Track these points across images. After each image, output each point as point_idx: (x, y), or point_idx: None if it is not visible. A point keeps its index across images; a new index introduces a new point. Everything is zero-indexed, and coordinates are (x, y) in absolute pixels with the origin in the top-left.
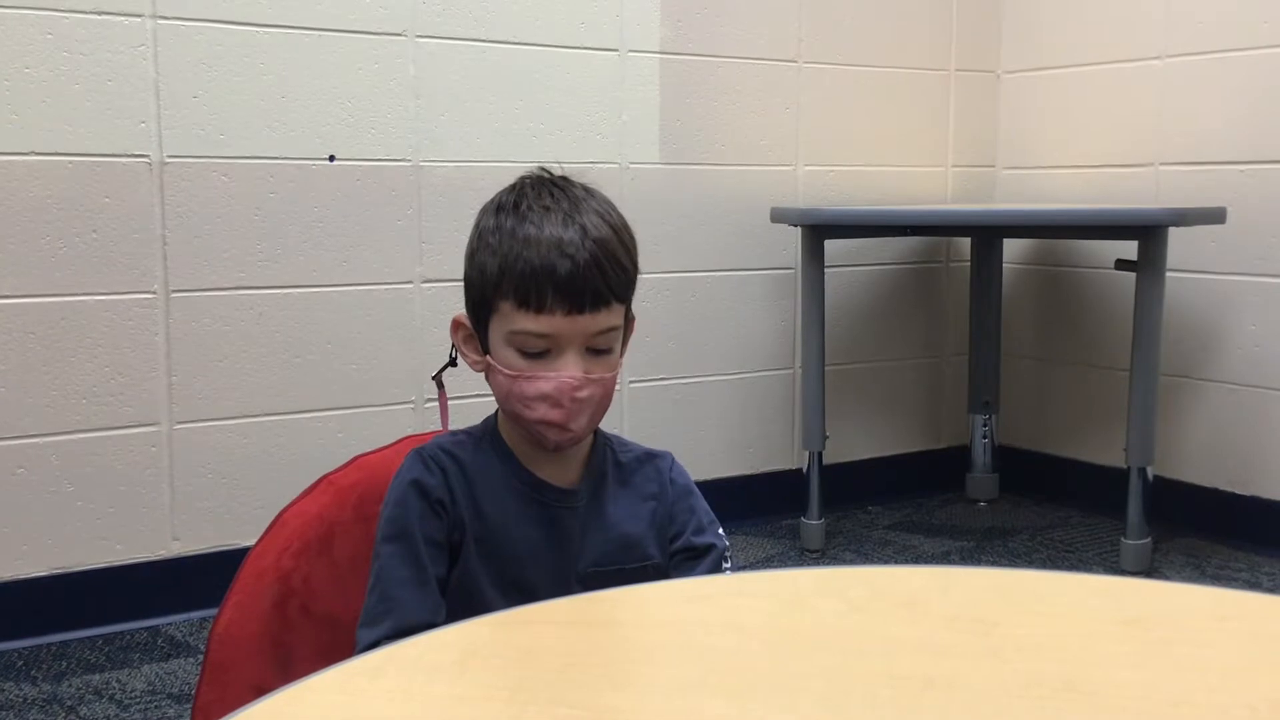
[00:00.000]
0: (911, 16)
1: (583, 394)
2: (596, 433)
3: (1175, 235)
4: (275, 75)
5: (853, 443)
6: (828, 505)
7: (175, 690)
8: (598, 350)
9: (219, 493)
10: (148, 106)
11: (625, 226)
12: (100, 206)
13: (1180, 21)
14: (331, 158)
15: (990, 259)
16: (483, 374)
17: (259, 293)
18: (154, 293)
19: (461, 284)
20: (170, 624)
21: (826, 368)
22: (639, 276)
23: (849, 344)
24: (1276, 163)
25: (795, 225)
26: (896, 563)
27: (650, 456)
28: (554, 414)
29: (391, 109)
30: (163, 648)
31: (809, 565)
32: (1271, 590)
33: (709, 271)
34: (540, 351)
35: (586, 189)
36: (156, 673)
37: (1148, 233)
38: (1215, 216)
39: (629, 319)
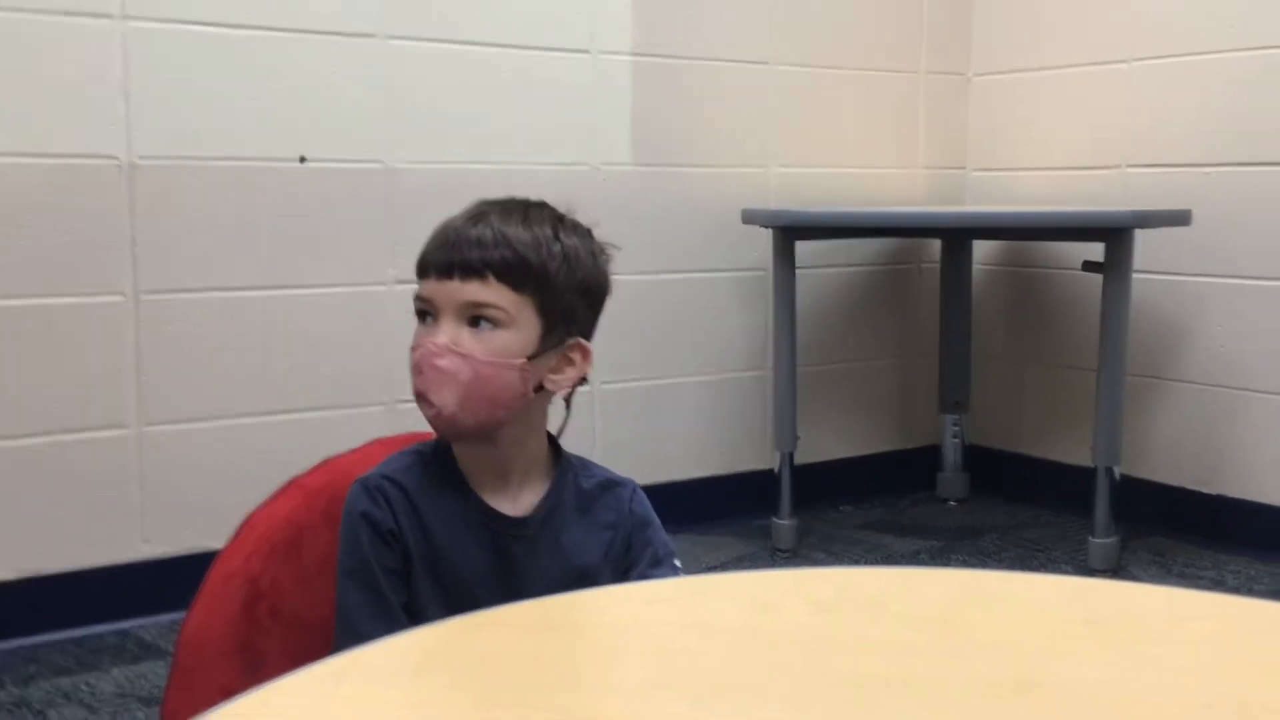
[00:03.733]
0: (882, 19)
1: (442, 362)
2: (561, 457)
3: (1142, 237)
4: (245, 76)
5: (825, 443)
6: (799, 505)
7: (145, 693)
8: (478, 327)
9: (189, 495)
10: (117, 108)
11: (570, 247)
12: (70, 208)
13: (1147, 25)
14: (302, 159)
15: (960, 260)
16: None
17: (229, 294)
18: (124, 295)
19: None
20: (140, 626)
21: (798, 368)
22: (599, 302)
23: (821, 345)
24: (1240, 165)
25: (766, 227)
26: (867, 562)
27: (612, 484)
28: (419, 382)
29: (363, 110)
30: (132, 650)
31: (778, 566)
32: (1236, 588)
33: (681, 273)
34: (424, 318)
35: (554, 214)
36: (126, 675)
37: (1113, 235)
38: (1180, 219)
39: (566, 336)
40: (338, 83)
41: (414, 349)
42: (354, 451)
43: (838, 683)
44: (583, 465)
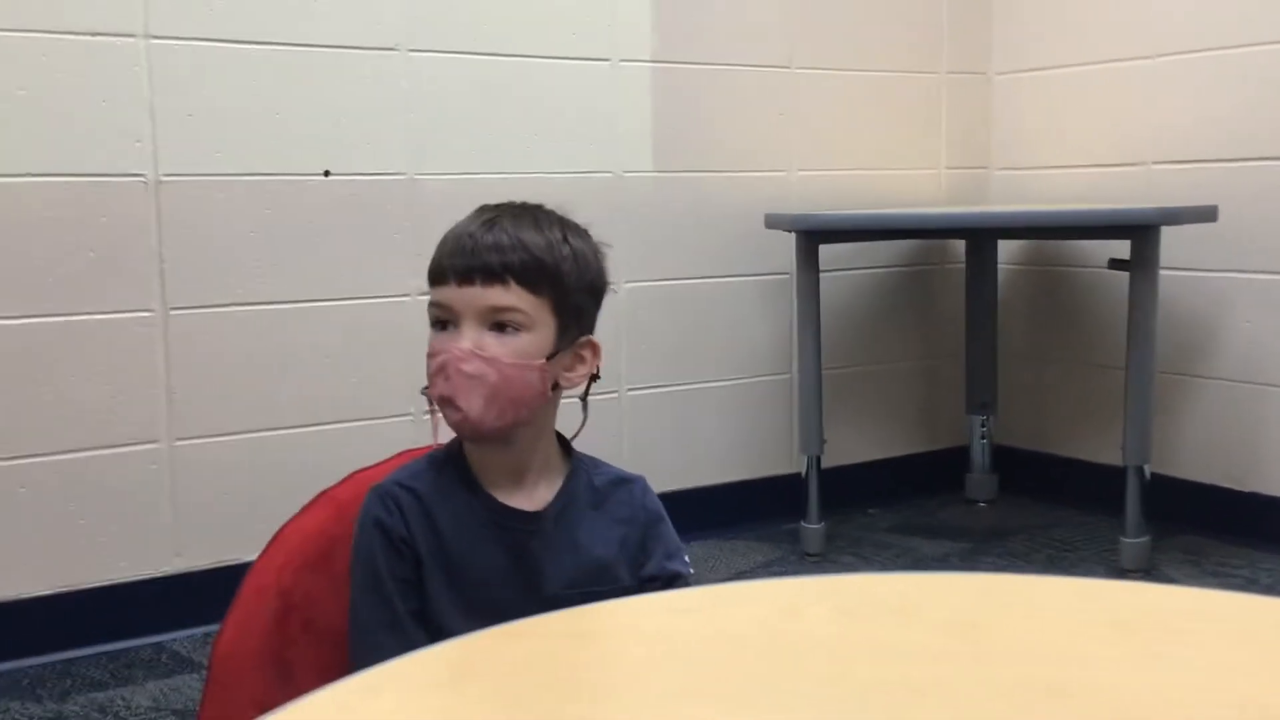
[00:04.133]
0: (902, 20)
1: (469, 367)
2: (572, 455)
3: (1168, 234)
4: (268, 92)
5: (851, 446)
6: (827, 509)
7: (179, 706)
8: (502, 331)
9: (220, 508)
10: (143, 126)
11: (578, 249)
12: (98, 226)
13: (1169, 21)
14: (326, 173)
15: (985, 260)
16: None
17: (256, 308)
18: (152, 310)
19: None
20: (174, 640)
21: (824, 372)
22: (598, 301)
23: (846, 347)
24: (1266, 160)
25: (790, 231)
26: (897, 565)
27: (624, 481)
28: (444, 388)
29: (385, 123)
30: (167, 664)
31: (806, 570)
32: (1270, 586)
33: (705, 278)
34: (443, 325)
35: (559, 217)
36: (160, 689)
37: (1140, 232)
38: (1206, 215)
39: (578, 334)
40: (360, 96)
41: (433, 355)
42: (383, 463)
43: (864, 690)
44: (593, 463)
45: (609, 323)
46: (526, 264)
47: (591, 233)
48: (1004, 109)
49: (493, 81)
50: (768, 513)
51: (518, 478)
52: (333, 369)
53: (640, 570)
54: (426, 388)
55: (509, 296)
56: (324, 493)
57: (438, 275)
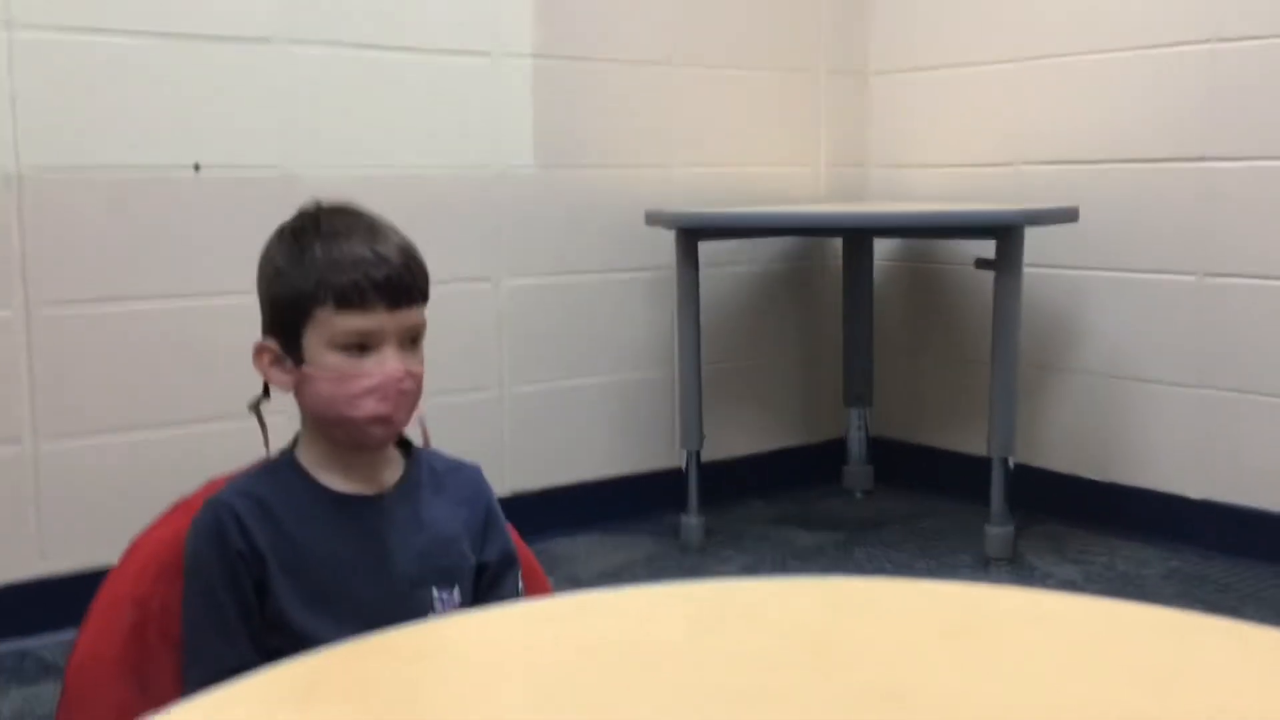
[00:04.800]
0: (782, 19)
1: (405, 386)
2: (409, 446)
3: (1034, 233)
4: (137, 84)
5: (732, 439)
6: (708, 502)
7: (44, 713)
8: (413, 344)
9: (88, 510)
10: (3, 118)
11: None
12: None
13: (1040, 25)
14: (196, 167)
15: (861, 257)
16: (291, 393)
17: (125, 306)
18: (13, 309)
19: None
20: (41, 646)
21: (705, 366)
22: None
23: (727, 342)
24: (1126, 162)
25: (670, 228)
26: (775, 556)
27: (461, 465)
28: (382, 407)
29: (258, 116)
30: (30, 670)
31: (686, 565)
32: (1125, 572)
33: (586, 274)
34: (363, 349)
35: (369, 213)
36: (25, 697)
37: (1004, 232)
38: (1068, 216)
39: None
40: (234, 88)
41: (359, 378)
42: (239, 471)
43: (712, 698)
44: (430, 452)
45: (490, 319)
46: (427, 283)
47: (473, 227)
48: (881, 108)
49: (372, 74)
50: (649, 507)
51: (368, 470)
52: (205, 369)
53: (481, 553)
54: (254, 404)
55: (421, 314)
56: (180, 502)
57: (360, 300)
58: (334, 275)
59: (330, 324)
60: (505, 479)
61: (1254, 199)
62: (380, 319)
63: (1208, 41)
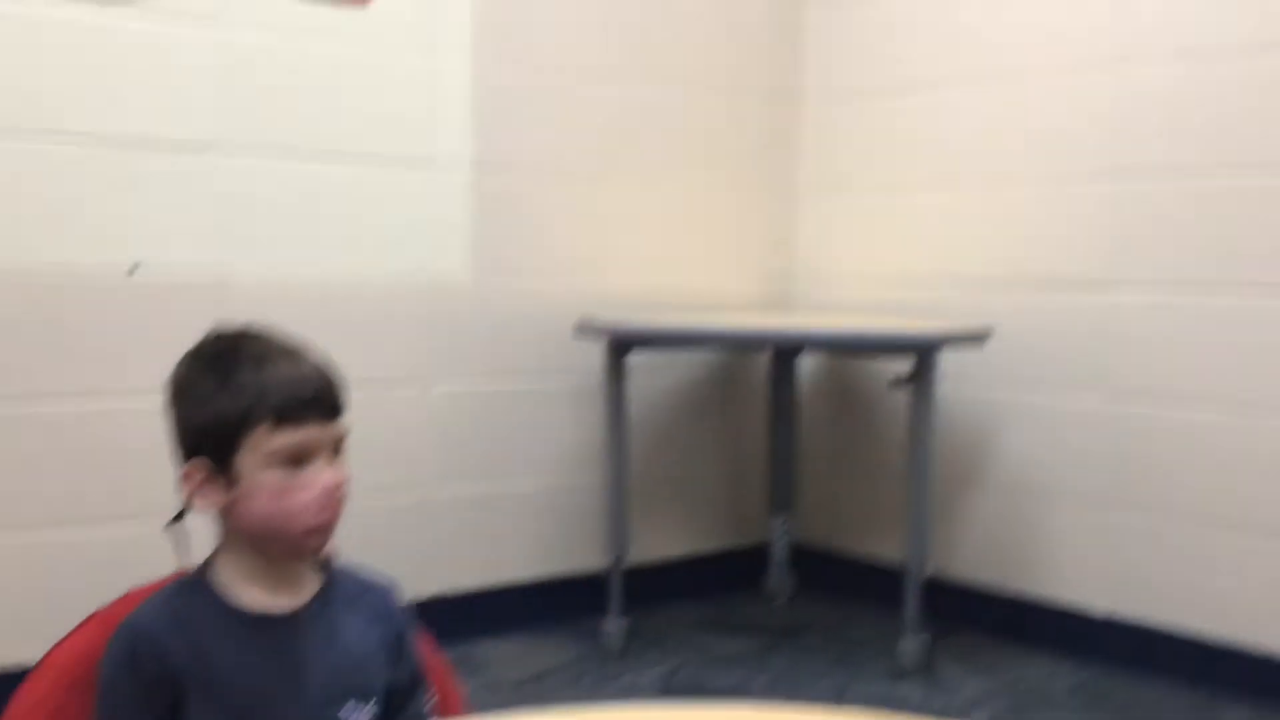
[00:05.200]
0: (716, 132)
1: (340, 494)
2: (326, 560)
3: (952, 349)
4: (70, 184)
5: (657, 543)
6: (632, 605)
7: None
8: (338, 457)
9: (5, 607)
10: None
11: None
12: None
13: (961, 153)
14: (133, 269)
15: (787, 367)
16: (216, 513)
17: (41, 406)
18: None
19: None
20: None
21: (632, 470)
22: None
23: (654, 446)
24: (1038, 284)
25: (598, 340)
26: (695, 663)
27: (376, 583)
28: (322, 516)
29: (194, 220)
30: None
31: (607, 669)
32: (1033, 686)
33: (514, 381)
34: (298, 463)
35: (279, 334)
36: None
37: (921, 350)
38: (979, 336)
39: None
40: (169, 194)
41: (304, 489)
42: (157, 584)
43: None
44: (346, 567)
45: (420, 421)
46: (346, 390)
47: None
48: (811, 222)
49: (309, 182)
50: (573, 610)
51: (284, 584)
52: (130, 470)
53: (393, 673)
54: (171, 524)
55: (345, 426)
56: (94, 614)
57: (293, 416)
58: (268, 395)
59: (269, 441)
60: (430, 581)
61: (1158, 323)
62: (315, 432)
63: (1111, 173)
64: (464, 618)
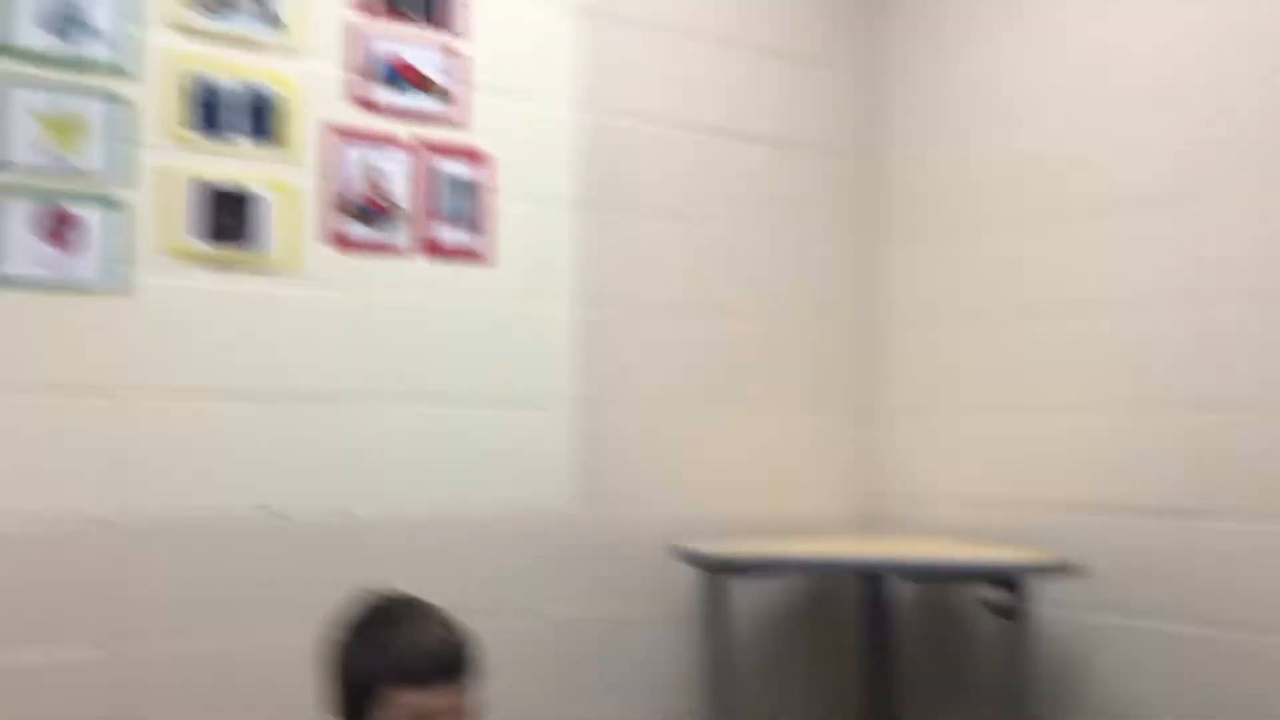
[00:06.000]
0: (804, 363)
1: None
2: None
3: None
4: (223, 441)
5: None
6: None
7: None
8: None
9: None
10: (111, 471)
11: (463, 628)
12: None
13: (1056, 375)
14: (265, 508)
15: (878, 590)
16: None
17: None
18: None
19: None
20: None
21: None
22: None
23: (743, 673)
24: (1138, 512)
25: (694, 566)
26: None
27: None
28: None
29: (323, 465)
30: None
31: None
32: None
33: (609, 610)
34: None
35: (423, 602)
36: None
37: (1016, 580)
38: (1074, 570)
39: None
40: (301, 440)
41: None
42: None
43: None
44: None
45: (511, 651)
46: (475, 663)
47: (527, 566)
48: (904, 446)
49: (425, 422)
50: None
51: None
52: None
53: None
54: None
55: (468, 692)
56: None
57: (414, 679)
58: (402, 656)
59: (397, 698)
60: None
61: (1247, 550)
62: (436, 693)
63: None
64: None
